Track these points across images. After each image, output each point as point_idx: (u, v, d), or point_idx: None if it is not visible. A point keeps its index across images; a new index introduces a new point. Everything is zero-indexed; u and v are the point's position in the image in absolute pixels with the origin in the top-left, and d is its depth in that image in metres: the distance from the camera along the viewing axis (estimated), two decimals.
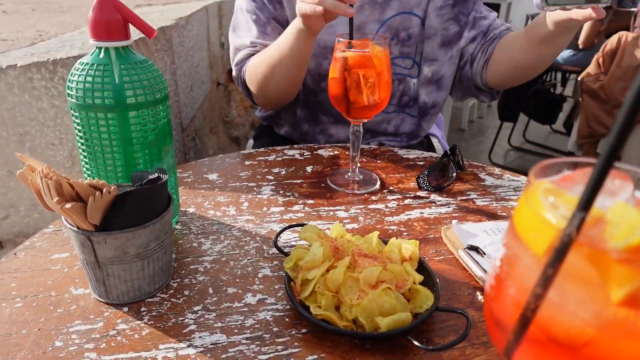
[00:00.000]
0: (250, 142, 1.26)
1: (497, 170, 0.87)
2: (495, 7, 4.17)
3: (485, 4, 1.07)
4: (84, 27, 1.34)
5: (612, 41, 2.51)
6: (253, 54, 0.98)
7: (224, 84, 1.85)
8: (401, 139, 1.12)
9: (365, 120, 0.75)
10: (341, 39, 0.71)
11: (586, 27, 3.08)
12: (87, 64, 0.53)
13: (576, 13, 0.69)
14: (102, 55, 0.54)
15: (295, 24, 0.82)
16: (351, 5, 0.71)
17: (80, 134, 0.55)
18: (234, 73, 1.03)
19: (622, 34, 2.47)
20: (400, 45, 1.02)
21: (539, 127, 3.60)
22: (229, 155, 0.90)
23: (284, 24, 0.99)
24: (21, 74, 0.85)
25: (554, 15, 0.77)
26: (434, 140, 1.29)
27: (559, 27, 0.77)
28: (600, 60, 2.58)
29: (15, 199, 0.96)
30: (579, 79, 2.71)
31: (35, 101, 0.88)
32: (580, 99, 2.70)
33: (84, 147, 0.56)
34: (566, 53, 3.24)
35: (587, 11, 0.67)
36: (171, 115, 0.95)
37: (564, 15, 0.73)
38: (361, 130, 0.76)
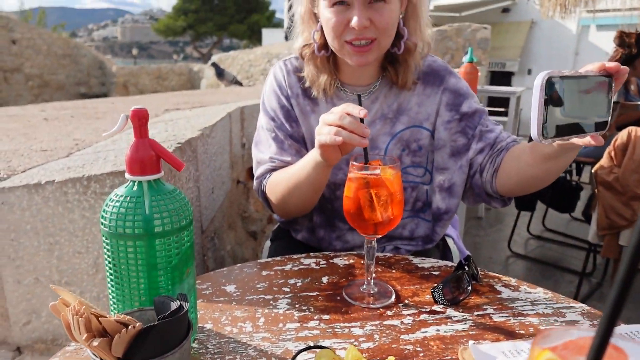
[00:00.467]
0: (267, 244, 1.29)
1: (513, 281, 0.87)
2: (505, 101, 4.35)
3: (494, 98, 1.15)
4: (116, 134, 1.45)
5: (622, 135, 2.57)
6: (272, 169, 1.06)
7: (243, 182, 1.93)
8: (416, 242, 1.14)
9: (380, 236, 0.78)
10: (355, 162, 0.76)
11: None
12: (121, 195, 0.58)
13: (576, 139, 0.72)
14: (135, 187, 0.59)
15: (313, 156, 0.89)
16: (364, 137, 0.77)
17: (109, 259, 0.59)
18: (254, 185, 1.11)
19: (632, 129, 2.54)
20: (412, 156, 1.08)
21: (558, 214, 3.58)
22: (246, 264, 0.93)
23: (300, 141, 1.09)
24: (57, 189, 0.92)
25: None
26: (450, 241, 1.30)
27: (561, 147, 0.81)
28: (612, 153, 2.63)
29: (38, 305, 0.98)
30: (593, 171, 2.74)
31: (68, 213, 0.94)
32: (596, 190, 2.72)
33: (111, 271, 0.59)
34: None
35: (587, 139, 0.70)
36: (193, 220, 1.00)
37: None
38: (375, 245, 0.79)
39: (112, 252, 0.58)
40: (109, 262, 0.59)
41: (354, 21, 0.91)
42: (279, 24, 30.12)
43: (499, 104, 5.62)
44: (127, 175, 0.59)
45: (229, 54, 13.40)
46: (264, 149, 1.09)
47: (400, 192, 0.76)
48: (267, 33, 25.28)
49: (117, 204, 0.57)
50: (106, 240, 0.58)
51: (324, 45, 1.03)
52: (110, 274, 0.59)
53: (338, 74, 1.08)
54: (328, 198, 1.09)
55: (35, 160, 1.13)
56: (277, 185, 1.02)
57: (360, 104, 0.83)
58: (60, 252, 0.96)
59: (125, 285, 0.59)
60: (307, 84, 1.07)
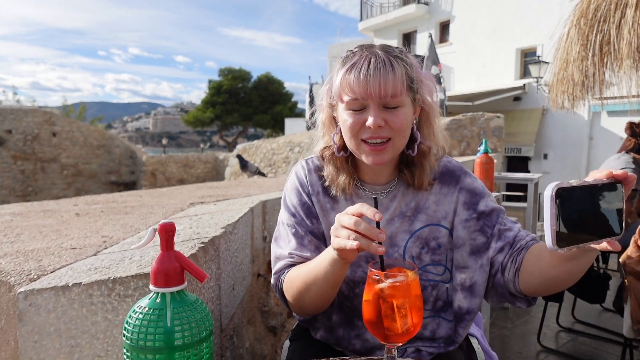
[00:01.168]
0: (287, 344, 1.27)
1: None
2: (523, 187, 4.36)
3: (513, 187, 1.16)
4: (142, 230, 1.50)
5: None
6: (291, 265, 1.08)
7: (264, 275, 1.93)
8: (438, 344, 1.11)
9: (400, 344, 0.77)
10: (373, 268, 0.77)
11: None
12: (144, 307, 0.61)
13: (592, 245, 0.72)
14: (158, 300, 0.61)
15: (330, 253, 0.91)
16: (380, 243, 0.79)
17: None
18: (272, 281, 1.13)
19: None
20: (431, 254, 1.09)
21: (588, 305, 3.41)
22: None
23: (319, 237, 1.12)
24: (84, 291, 0.95)
25: None
26: (474, 342, 1.26)
27: (581, 250, 0.82)
28: (639, 242, 2.56)
29: None
30: (620, 260, 2.65)
31: (91, 315, 0.96)
32: (625, 280, 2.61)
33: None
34: None
35: (603, 244, 0.71)
36: (212, 319, 1.00)
37: None
38: (396, 354, 0.78)
39: None
40: None
41: (370, 121, 0.97)
42: (300, 114, 31.57)
43: (517, 188, 5.63)
44: (151, 287, 0.62)
45: (253, 143, 13.98)
46: (283, 244, 1.12)
47: (420, 298, 0.77)
48: (289, 122, 26.48)
49: (140, 316, 0.60)
50: (127, 353, 0.60)
51: (343, 147, 1.09)
52: None
53: (357, 173, 1.13)
54: (347, 296, 1.09)
55: (65, 259, 1.18)
56: (293, 281, 1.03)
57: (376, 207, 0.86)
58: (81, 354, 0.96)
59: None
60: (327, 183, 1.12)
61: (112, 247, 1.31)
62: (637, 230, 2.57)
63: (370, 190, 1.12)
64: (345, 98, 0.99)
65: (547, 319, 3.18)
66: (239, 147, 14.81)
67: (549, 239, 0.66)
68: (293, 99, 36.93)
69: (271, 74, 36.43)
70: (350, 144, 1.05)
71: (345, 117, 1.02)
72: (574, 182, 0.68)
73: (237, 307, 1.53)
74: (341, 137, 1.08)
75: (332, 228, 0.86)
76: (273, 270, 1.13)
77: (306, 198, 1.13)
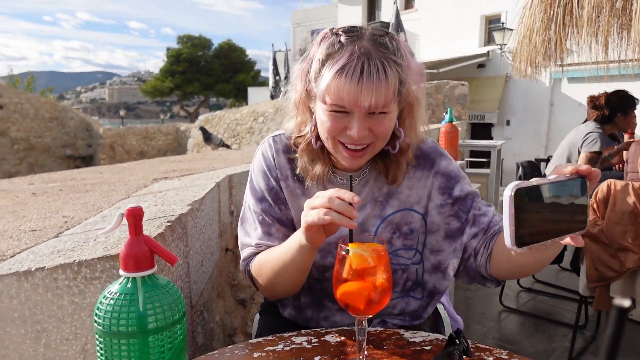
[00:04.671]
0: (257, 317, 1.28)
1: (504, 354, 0.88)
2: (487, 154, 4.48)
3: (476, 153, 1.15)
4: (105, 209, 1.46)
5: (602, 188, 2.65)
6: (258, 252, 1.06)
7: (232, 250, 1.92)
8: (403, 318, 1.12)
9: (370, 316, 0.79)
10: (343, 244, 0.78)
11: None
12: (115, 293, 0.59)
13: (554, 241, 0.71)
14: (129, 284, 0.60)
15: (297, 239, 0.90)
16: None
17: (102, 358, 0.59)
18: (240, 267, 1.11)
19: (611, 181, 2.63)
20: (402, 238, 1.07)
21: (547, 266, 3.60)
22: (237, 346, 0.92)
23: (288, 225, 1.07)
24: (47, 275, 0.92)
25: None
26: (440, 308, 1.30)
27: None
28: (595, 205, 2.70)
29: None
30: None
31: (57, 299, 0.93)
32: None
33: None
34: None
35: (566, 239, 0.71)
36: (182, 297, 0.99)
37: None
38: (366, 326, 0.80)
39: (105, 350, 0.58)
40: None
41: (354, 131, 0.90)
42: (264, 83, 31.03)
43: (480, 155, 5.80)
44: (121, 272, 0.60)
45: (216, 114, 13.69)
46: (250, 230, 1.09)
47: (389, 271, 0.78)
48: (252, 91, 26.02)
49: (112, 302, 0.58)
50: (99, 339, 0.58)
51: (318, 136, 1.01)
52: None
53: (332, 160, 1.05)
54: (317, 279, 1.08)
55: (25, 243, 1.13)
56: (262, 268, 1.01)
57: (351, 186, 0.85)
58: (48, 339, 0.94)
59: None
60: (298, 171, 1.06)
61: (74, 228, 1.26)
62: (593, 195, 2.71)
63: (342, 177, 1.07)
64: (329, 101, 0.90)
65: (509, 281, 3.34)
66: (201, 118, 14.47)
67: (507, 240, 0.65)
68: (256, 67, 36.19)
69: (232, 42, 35.48)
70: (326, 143, 0.98)
71: (324, 118, 0.93)
72: (534, 180, 0.67)
73: (207, 283, 1.53)
74: (316, 128, 1.00)
75: (302, 213, 0.84)
76: (241, 257, 1.10)
77: (274, 183, 1.08)
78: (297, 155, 1.06)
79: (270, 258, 1.00)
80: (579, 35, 2.69)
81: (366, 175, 1.07)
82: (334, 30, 0.95)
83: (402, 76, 0.92)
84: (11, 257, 1.03)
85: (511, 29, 9.94)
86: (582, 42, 2.77)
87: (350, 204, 0.79)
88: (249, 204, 1.10)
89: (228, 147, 4.36)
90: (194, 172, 2.28)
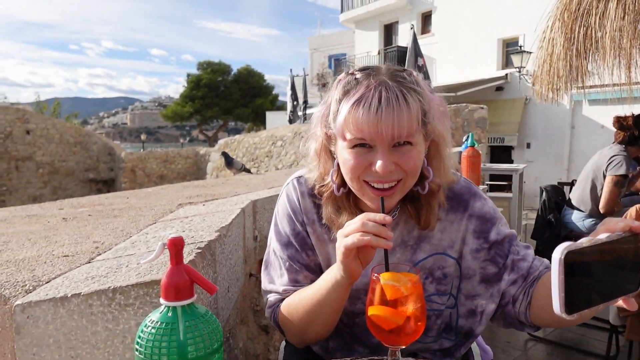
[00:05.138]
0: (283, 344, 1.27)
1: None
2: (507, 177, 4.44)
3: (497, 176, 1.10)
4: (134, 235, 1.48)
5: (630, 213, 2.60)
6: (284, 299, 1.02)
7: (255, 275, 1.93)
8: (434, 352, 1.10)
9: (403, 347, 0.78)
10: (376, 274, 0.78)
11: (606, 193, 3.20)
12: (156, 322, 0.60)
13: (605, 305, 0.66)
14: (170, 313, 0.61)
15: (332, 274, 0.88)
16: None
17: None
18: (266, 314, 1.07)
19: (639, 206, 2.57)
20: (436, 284, 1.03)
21: None
22: None
23: (316, 271, 1.04)
24: (83, 302, 0.93)
25: None
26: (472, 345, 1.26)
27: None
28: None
29: None
30: None
31: (91, 325, 0.94)
32: None
33: None
34: (588, 222, 3.32)
35: (619, 302, 0.66)
36: (220, 326, 1.00)
37: None
38: (399, 357, 0.79)
39: None
40: None
41: (378, 165, 0.85)
42: (281, 107, 31.45)
43: (500, 178, 5.75)
44: (162, 301, 0.61)
45: (235, 138, 13.89)
46: (275, 276, 1.05)
47: (423, 300, 0.78)
48: (270, 116, 26.37)
49: (153, 331, 0.59)
50: None
51: (342, 182, 0.96)
52: None
53: (358, 204, 1.00)
54: (347, 324, 1.06)
55: (59, 268, 1.15)
56: (292, 313, 0.98)
57: (383, 208, 0.84)
58: None
59: None
60: (324, 221, 1.02)
61: (106, 254, 1.29)
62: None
63: None
64: (349, 136, 0.86)
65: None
66: (221, 142, 14.70)
67: (556, 306, 0.60)
68: (274, 92, 36.74)
69: (251, 67, 36.17)
70: (351, 185, 0.93)
71: (346, 157, 0.88)
72: (585, 242, 0.62)
73: (232, 309, 1.53)
74: (339, 174, 0.95)
75: (337, 243, 0.82)
76: (265, 304, 1.08)
77: (300, 227, 1.04)
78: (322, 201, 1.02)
79: (302, 299, 0.96)
80: (601, 58, 2.69)
81: (395, 217, 1.01)
82: (349, 72, 0.93)
83: (424, 106, 0.88)
84: (47, 282, 1.05)
85: (529, 52, 9.93)
86: (604, 65, 2.77)
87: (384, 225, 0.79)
88: (274, 249, 1.06)
89: (249, 171, 4.41)
90: (218, 197, 2.31)
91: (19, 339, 0.93)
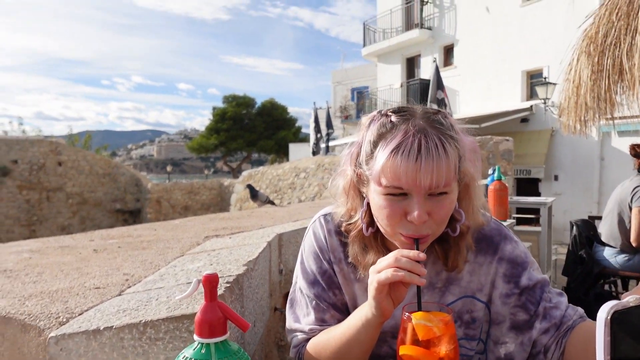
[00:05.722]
0: None
1: None
2: (534, 211, 4.34)
3: (523, 209, 1.05)
4: (162, 267, 1.50)
5: None
6: (310, 339, 1.01)
7: (280, 309, 1.92)
8: None
9: None
10: (408, 312, 0.77)
11: (635, 225, 3.10)
12: (190, 359, 0.60)
13: None
14: (203, 350, 0.61)
15: (363, 313, 0.87)
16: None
17: None
18: (291, 354, 1.06)
19: None
20: (464, 328, 1.01)
21: None
22: None
23: (343, 311, 1.03)
24: (114, 335, 0.95)
25: None
26: None
27: None
28: None
29: None
30: None
31: (122, 358, 0.95)
32: None
33: None
34: (620, 258, 3.21)
35: None
36: None
37: None
38: None
39: None
40: None
41: (414, 215, 0.82)
42: (304, 139, 31.83)
43: (527, 211, 5.62)
44: (195, 337, 0.62)
45: (259, 170, 14.06)
46: (301, 315, 1.05)
47: (456, 341, 0.76)
48: (293, 147, 26.70)
49: None
50: None
51: (371, 222, 0.95)
52: None
53: (385, 243, 0.99)
54: None
55: (91, 300, 1.18)
56: (320, 351, 0.96)
57: (417, 248, 0.83)
58: None
59: None
60: (350, 260, 1.01)
61: (136, 287, 1.30)
62: None
63: None
64: (385, 183, 0.84)
65: None
66: (245, 174, 14.89)
67: None
68: (297, 124, 37.28)
69: (275, 100, 36.91)
70: (384, 231, 0.92)
71: (380, 203, 0.87)
72: (632, 299, 0.58)
73: (258, 344, 1.52)
74: (368, 213, 0.95)
75: (369, 279, 0.82)
76: (290, 343, 1.07)
77: (327, 266, 1.04)
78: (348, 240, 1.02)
79: (330, 339, 0.94)
80: (630, 88, 2.66)
81: None
82: (382, 112, 0.91)
83: (461, 151, 0.88)
84: (79, 314, 1.07)
85: (554, 84, 9.84)
86: (633, 96, 2.73)
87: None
88: (301, 287, 1.06)
89: (273, 203, 4.44)
90: (244, 229, 2.33)
91: None
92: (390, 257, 0.79)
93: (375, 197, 0.88)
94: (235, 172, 32.83)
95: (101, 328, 0.95)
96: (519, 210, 4.98)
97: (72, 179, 18.78)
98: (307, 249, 1.07)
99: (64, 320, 1.03)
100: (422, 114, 0.88)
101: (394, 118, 0.87)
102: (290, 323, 1.07)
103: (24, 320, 1.04)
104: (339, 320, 0.98)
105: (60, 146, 18.98)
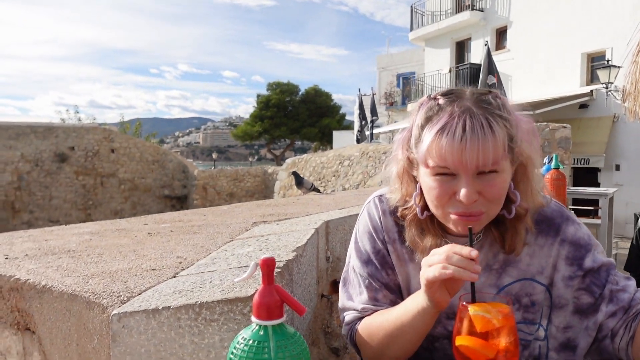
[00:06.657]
0: None
1: None
2: (593, 202, 4.14)
3: (581, 200, 1.00)
4: (213, 252, 1.54)
5: None
6: (362, 317, 1.02)
7: (327, 296, 1.93)
8: None
9: None
10: (464, 302, 0.75)
11: None
12: (249, 340, 0.62)
13: None
14: (261, 332, 0.62)
15: (418, 301, 0.86)
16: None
17: None
18: (343, 331, 1.08)
19: None
20: (523, 311, 0.98)
21: None
22: None
23: (395, 291, 1.04)
24: (172, 315, 0.98)
25: None
26: None
27: None
28: None
29: None
30: None
31: (179, 338, 0.99)
32: None
33: None
34: None
35: None
36: (308, 348, 1.01)
37: None
38: None
39: None
40: None
41: (462, 194, 0.83)
42: (348, 126, 31.69)
43: (584, 202, 5.33)
44: (253, 319, 0.63)
45: (302, 157, 14.14)
46: (354, 294, 1.05)
47: (515, 333, 0.74)
48: (337, 135, 26.63)
49: (246, 348, 0.61)
50: None
51: (426, 205, 0.95)
52: None
53: (443, 229, 0.98)
54: (426, 348, 1.03)
55: (148, 281, 1.22)
56: (373, 333, 0.97)
57: (471, 240, 0.82)
58: None
59: None
60: (407, 243, 1.01)
61: (189, 269, 1.34)
62: None
63: (454, 242, 0.95)
64: (432, 164, 0.85)
65: None
66: (288, 161, 15.03)
67: None
68: (341, 111, 37.15)
69: (319, 87, 36.93)
70: (435, 212, 0.92)
71: (430, 184, 0.88)
72: None
73: (305, 330, 1.54)
74: (422, 197, 0.95)
75: (420, 272, 0.82)
76: (343, 321, 1.08)
77: (381, 245, 1.04)
78: (404, 222, 1.02)
79: (384, 321, 0.95)
80: None
81: (480, 240, 0.98)
82: (431, 96, 0.92)
83: (511, 131, 0.86)
84: (138, 294, 1.12)
85: (618, 67, 9.21)
86: None
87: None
88: (354, 266, 1.07)
89: (319, 191, 4.46)
90: (290, 216, 2.35)
91: (115, 347, 0.99)
92: (442, 253, 0.78)
93: (425, 178, 0.89)
94: (279, 160, 33.22)
95: (160, 307, 0.99)
96: (575, 202, 4.75)
97: (124, 166, 19.62)
98: (362, 228, 1.08)
99: (125, 299, 1.08)
100: (470, 95, 0.88)
101: (441, 101, 0.88)
102: (343, 301, 1.09)
103: (89, 297, 1.10)
104: (392, 300, 1.00)
105: (112, 133, 19.85)
